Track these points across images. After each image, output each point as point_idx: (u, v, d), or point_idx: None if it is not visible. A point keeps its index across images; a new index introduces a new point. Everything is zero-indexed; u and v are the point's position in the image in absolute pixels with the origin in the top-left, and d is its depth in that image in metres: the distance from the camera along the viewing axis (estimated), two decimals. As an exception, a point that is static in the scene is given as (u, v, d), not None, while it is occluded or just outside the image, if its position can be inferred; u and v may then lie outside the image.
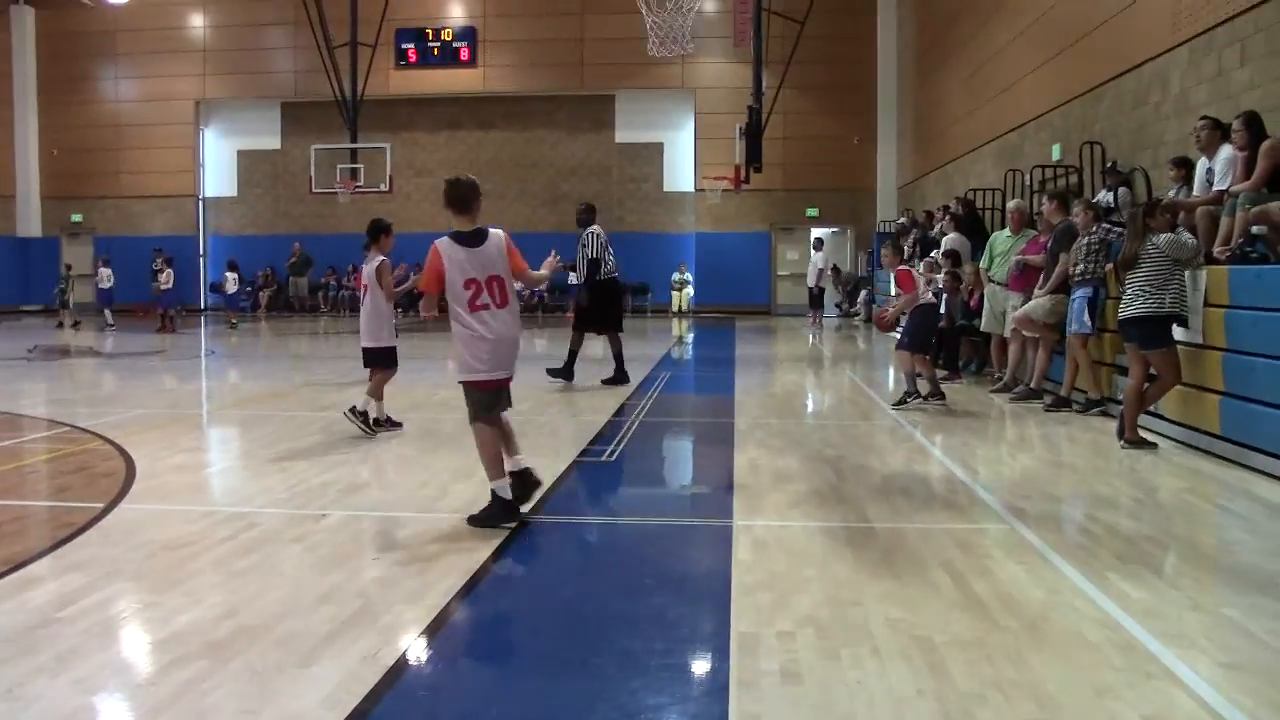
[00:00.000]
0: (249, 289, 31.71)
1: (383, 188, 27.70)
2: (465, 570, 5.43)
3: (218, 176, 33.81)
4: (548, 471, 7.93)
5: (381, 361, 9.86)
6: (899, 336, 11.95)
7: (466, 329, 6.28)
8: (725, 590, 5.12)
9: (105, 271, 26.16)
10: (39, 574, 5.41)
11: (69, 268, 28.00)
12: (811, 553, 5.81)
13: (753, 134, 25.00)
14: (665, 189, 32.37)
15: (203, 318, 30.36)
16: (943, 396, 11.49)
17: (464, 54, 31.66)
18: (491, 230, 6.41)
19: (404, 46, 31.58)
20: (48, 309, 26.36)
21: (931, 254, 17.29)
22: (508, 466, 6.46)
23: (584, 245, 13.37)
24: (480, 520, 6.32)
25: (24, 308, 26.11)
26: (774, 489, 7.49)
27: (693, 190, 31.63)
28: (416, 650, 4.42)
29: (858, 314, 28.99)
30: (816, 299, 26.47)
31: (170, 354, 14.40)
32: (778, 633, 4.52)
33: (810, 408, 12.69)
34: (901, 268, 11.78)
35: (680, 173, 32.15)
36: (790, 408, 12.10)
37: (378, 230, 9.88)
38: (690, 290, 31.71)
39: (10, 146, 33.38)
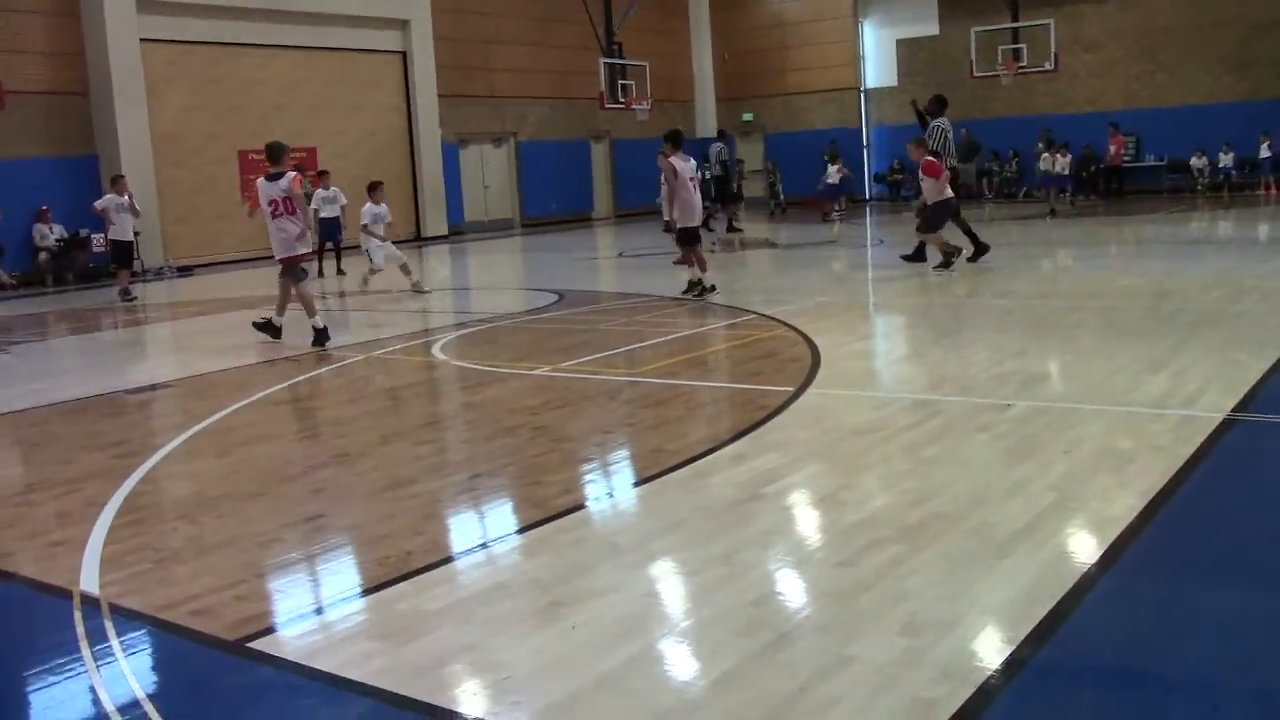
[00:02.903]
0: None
1: (1047, 66, 26.36)
2: (1164, 470, 5.03)
3: (878, 67, 34.19)
4: (1253, 366, 7.18)
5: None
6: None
7: (279, 228, 10.40)
8: None
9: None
10: (742, 451, 5.83)
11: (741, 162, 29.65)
12: None
13: None
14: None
15: (867, 208, 31.08)
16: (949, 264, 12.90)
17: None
18: (286, 172, 10.47)
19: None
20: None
21: None
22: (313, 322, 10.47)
23: (929, 138, 14.71)
24: (315, 342, 10.29)
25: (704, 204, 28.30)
26: None
27: None
28: (1115, 551, 4.16)
29: None
30: None
31: (842, 243, 14.96)
32: None
33: None
34: (928, 158, 13.21)
35: None
36: None
37: (680, 136, 12.86)
38: None
39: (688, 56, 36.14)
